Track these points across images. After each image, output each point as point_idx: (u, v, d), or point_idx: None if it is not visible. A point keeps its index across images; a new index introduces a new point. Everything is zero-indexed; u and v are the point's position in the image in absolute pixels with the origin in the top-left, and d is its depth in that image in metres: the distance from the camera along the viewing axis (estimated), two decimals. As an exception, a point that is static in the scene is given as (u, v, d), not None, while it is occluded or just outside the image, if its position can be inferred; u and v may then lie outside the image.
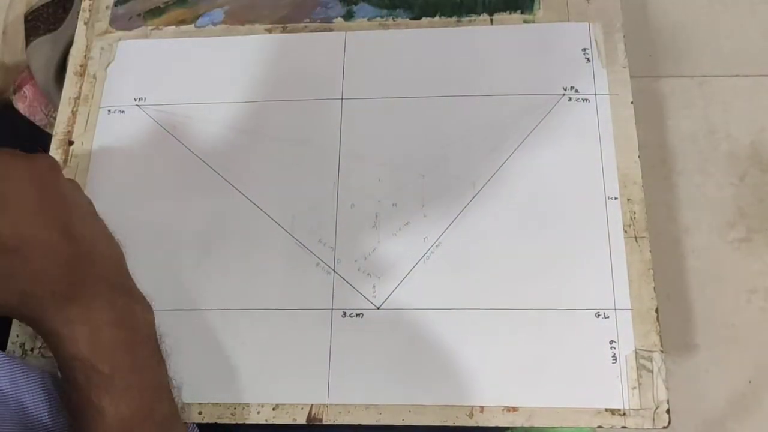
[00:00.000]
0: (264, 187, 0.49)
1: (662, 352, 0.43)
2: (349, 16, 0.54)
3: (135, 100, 0.52)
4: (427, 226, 0.47)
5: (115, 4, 0.56)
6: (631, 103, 0.49)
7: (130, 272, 0.40)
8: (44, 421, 0.37)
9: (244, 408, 0.44)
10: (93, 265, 0.36)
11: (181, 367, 0.45)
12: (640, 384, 0.42)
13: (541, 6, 0.53)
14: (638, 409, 0.42)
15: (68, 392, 0.35)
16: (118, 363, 0.34)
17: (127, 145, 0.51)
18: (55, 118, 0.53)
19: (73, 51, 0.55)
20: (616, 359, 0.43)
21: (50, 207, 0.35)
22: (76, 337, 0.34)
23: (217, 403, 0.44)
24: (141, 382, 0.35)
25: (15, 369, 0.38)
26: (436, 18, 0.53)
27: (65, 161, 0.51)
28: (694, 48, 0.56)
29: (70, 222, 0.35)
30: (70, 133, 0.52)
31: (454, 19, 0.53)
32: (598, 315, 0.44)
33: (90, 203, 0.41)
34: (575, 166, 0.48)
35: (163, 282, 0.47)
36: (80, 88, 0.53)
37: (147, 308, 0.39)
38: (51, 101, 0.61)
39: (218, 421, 0.44)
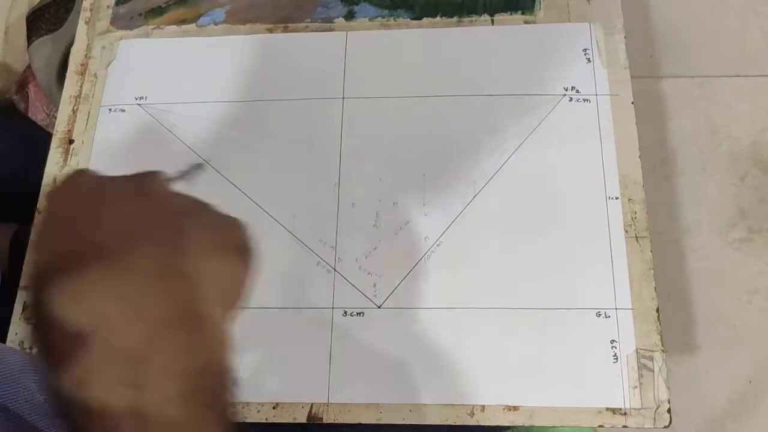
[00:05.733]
0: (265, 186, 0.49)
1: (663, 351, 0.43)
2: (350, 16, 0.54)
3: (136, 99, 0.52)
4: (428, 225, 0.47)
5: (117, 4, 0.56)
6: (632, 103, 0.49)
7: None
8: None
9: (244, 407, 0.44)
10: None
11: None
12: (641, 383, 0.42)
13: (542, 6, 0.53)
14: (639, 409, 0.42)
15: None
16: None
17: (127, 143, 0.51)
18: (56, 118, 0.53)
19: (74, 50, 0.55)
20: (617, 359, 0.43)
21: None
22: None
23: (217, 402, 0.44)
24: None
25: None
26: (437, 18, 0.53)
27: (65, 160, 0.51)
28: (694, 48, 0.56)
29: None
30: (70, 131, 0.52)
31: (455, 19, 0.53)
32: (599, 314, 0.44)
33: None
34: (576, 166, 0.48)
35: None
36: (81, 87, 0.53)
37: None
38: (52, 100, 0.61)
39: (218, 420, 0.44)
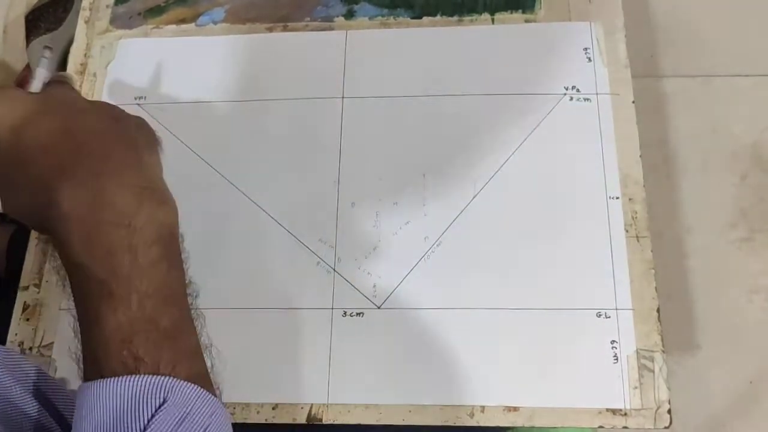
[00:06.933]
0: (264, 186, 0.49)
1: (663, 352, 0.43)
2: (350, 15, 0.54)
3: (135, 98, 0.52)
4: (428, 225, 0.47)
5: (116, 3, 0.56)
6: (633, 102, 0.49)
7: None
8: (31, 413, 0.37)
9: (243, 408, 0.44)
10: (94, 160, 0.34)
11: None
12: (641, 384, 0.42)
13: (542, 5, 0.52)
14: (639, 409, 0.42)
15: (76, 305, 0.33)
16: (115, 267, 0.31)
17: (127, 143, 0.51)
18: (55, 117, 0.53)
19: (73, 49, 0.55)
20: (617, 359, 0.43)
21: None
22: (71, 240, 0.31)
23: (216, 403, 0.44)
24: (143, 288, 0.31)
25: (9, 359, 0.38)
26: (438, 17, 0.53)
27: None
28: (696, 47, 0.56)
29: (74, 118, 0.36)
30: (70, 131, 0.52)
31: (455, 18, 0.53)
32: (600, 315, 0.44)
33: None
34: (576, 165, 0.47)
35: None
36: (80, 86, 0.53)
37: (164, 209, 0.34)
38: (51, 100, 0.61)
39: (218, 421, 0.44)
